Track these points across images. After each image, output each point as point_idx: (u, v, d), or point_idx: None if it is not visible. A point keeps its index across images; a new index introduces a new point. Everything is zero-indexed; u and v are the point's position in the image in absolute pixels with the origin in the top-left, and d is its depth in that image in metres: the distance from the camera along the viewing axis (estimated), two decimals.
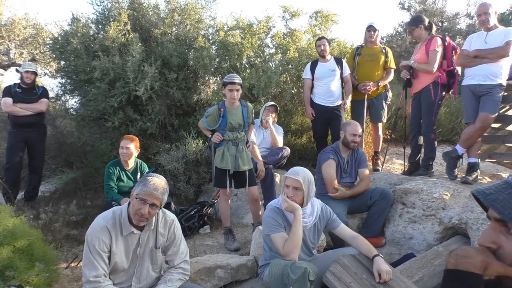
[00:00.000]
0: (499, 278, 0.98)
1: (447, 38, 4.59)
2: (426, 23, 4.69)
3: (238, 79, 4.05)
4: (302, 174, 2.87)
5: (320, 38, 5.23)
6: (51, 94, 6.24)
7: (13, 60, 10.15)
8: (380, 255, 2.77)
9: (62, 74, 6.36)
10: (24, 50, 10.37)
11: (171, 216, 2.60)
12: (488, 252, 0.95)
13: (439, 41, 4.52)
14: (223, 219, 4.33)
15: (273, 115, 5.12)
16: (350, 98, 5.17)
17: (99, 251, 2.29)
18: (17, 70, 5.75)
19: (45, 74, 7.93)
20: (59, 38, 6.22)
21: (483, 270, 0.93)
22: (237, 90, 4.06)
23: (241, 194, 5.12)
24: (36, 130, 5.63)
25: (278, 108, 5.23)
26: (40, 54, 10.30)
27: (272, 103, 5.22)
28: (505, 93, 4.32)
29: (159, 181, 2.37)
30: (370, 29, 5.17)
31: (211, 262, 3.26)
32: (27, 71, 5.50)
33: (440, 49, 4.49)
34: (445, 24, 13.47)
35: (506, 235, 0.94)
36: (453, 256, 0.98)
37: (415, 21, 4.77)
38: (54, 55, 6.61)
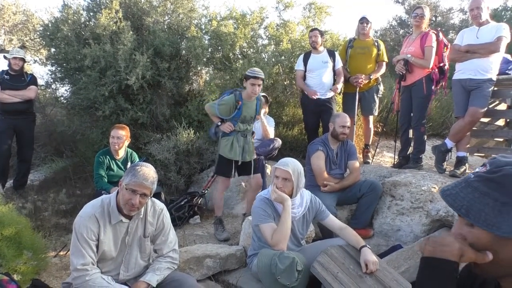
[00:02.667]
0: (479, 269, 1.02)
1: (440, 34, 4.61)
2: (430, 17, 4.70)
3: (262, 75, 4.02)
4: (291, 165, 2.88)
5: (312, 30, 5.21)
6: (41, 82, 6.18)
7: (2, 47, 9.99)
8: (368, 246, 2.80)
9: (52, 61, 6.28)
10: (14, 36, 10.21)
11: (160, 205, 2.60)
12: (464, 242, 0.99)
13: (434, 36, 4.54)
14: (216, 208, 4.33)
15: (265, 105, 5.10)
16: (341, 84, 5.14)
17: (87, 240, 2.28)
18: (5, 57, 5.67)
19: (35, 61, 7.82)
20: (50, 25, 6.13)
21: (459, 258, 0.96)
22: (259, 85, 4.01)
23: (231, 185, 5.12)
24: (24, 117, 5.57)
25: (269, 99, 5.21)
26: (30, 41, 10.15)
27: (263, 94, 5.20)
28: (495, 88, 4.36)
29: (148, 171, 2.36)
30: (363, 21, 5.16)
31: (200, 251, 3.26)
32: (15, 58, 5.42)
33: (435, 45, 4.51)
34: (439, 18, 13.50)
35: (467, 226, 0.99)
36: (431, 243, 1.00)
37: (424, 11, 4.71)
38: (44, 42, 6.52)
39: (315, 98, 5.00)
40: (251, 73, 3.97)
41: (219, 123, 4.11)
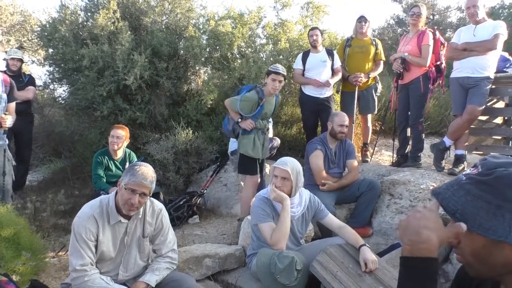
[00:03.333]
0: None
1: (437, 33, 4.61)
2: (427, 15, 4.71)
3: (283, 71, 4.00)
4: (290, 164, 2.88)
5: (313, 28, 5.21)
6: (39, 82, 6.16)
7: None
8: (367, 245, 2.80)
9: (50, 62, 6.27)
10: (12, 37, 10.17)
11: (159, 205, 2.60)
12: (438, 222, 0.97)
13: (431, 35, 4.54)
14: (244, 208, 4.08)
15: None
16: (335, 79, 5.10)
17: (85, 240, 2.28)
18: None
19: (33, 62, 7.81)
20: (47, 26, 6.12)
21: (437, 251, 0.95)
22: (280, 81, 4.00)
23: (230, 184, 5.13)
24: (23, 118, 5.53)
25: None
26: (27, 41, 10.12)
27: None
28: (493, 86, 4.36)
29: (147, 170, 2.36)
30: (361, 19, 5.16)
31: (199, 251, 3.26)
32: (12, 58, 5.41)
33: (432, 43, 4.52)
34: (436, 17, 13.52)
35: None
36: (408, 242, 0.97)
37: (421, 9, 4.71)
38: (42, 43, 6.51)
39: (318, 86, 4.99)
40: (273, 68, 3.99)
41: (239, 120, 4.05)
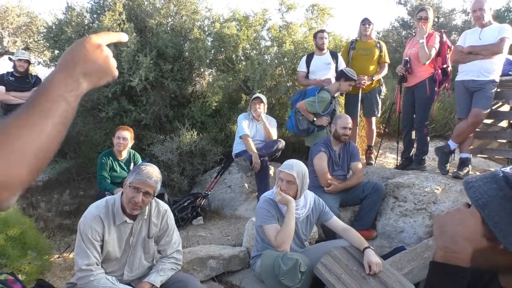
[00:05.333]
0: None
1: (444, 36, 4.60)
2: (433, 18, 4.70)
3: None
4: (296, 168, 2.89)
5: (321, 31, 5.24)
6: None
7: (7, 49, 10.05)
8: (371, 247, 2.80)
9: (56, 63, 6.29)
10: (18, 38, 10.27)
11: (164, 206, 2.61)
12: (476, 233, 0.93)
13: (438, 38, 4.53)
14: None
15: (259, 106, 5.00)
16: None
17: (91, 240, 2.30)
18: (10, 59, 5.71)
19: (39, 63, 7.88)
20: (53, 27, 6.16)
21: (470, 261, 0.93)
22: (350, 85, 4.76)
23: (234, 186, 5.13)
24: None
25: (264, 99, 5.11)
26: (34, 42, 10.20)
27: (257, 95, 5.15)
28: (498, 89, 4.35)
29: (152, 170, 2.38)
30: (365, 22, 5.16)
31: (203, 252, 3.28)
32: (20, 60, 5.46)
33: (437, 46, 4.51)
34: (441, 19, 13.49)
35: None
36: (442, 248, 0.95)
37: (428, 13, 4.69)
38: (48, 44, 6.55)
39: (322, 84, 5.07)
40: (351, 75, 4.68)
41: (315, 119, 4.73)
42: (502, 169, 0.97)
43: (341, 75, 4.75)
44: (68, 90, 0.71)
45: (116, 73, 0.83)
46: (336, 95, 5.09)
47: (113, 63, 0.82)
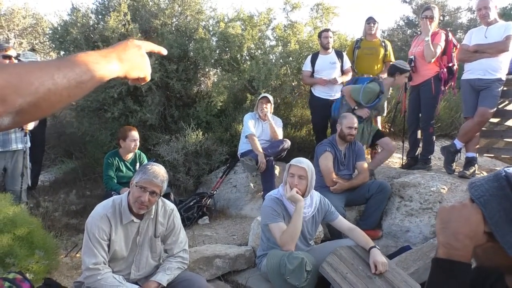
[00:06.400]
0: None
1: (450, 34, 4.58)
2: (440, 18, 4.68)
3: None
4: (306, 162, 2.94)
5: (326, 30, 5.24)
6: None
7: None
8: (377, 247, 2.80)
9: None
10: (24, 40, 10.33)
11: (171, 205, 2.63)
12: (478, 232, 0.93)
13: (443, 36, 4.51)
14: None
15: (266, 105, 4.99)
16: (342, 78, 5.14)
17: (98, 239, 2.32)
18: (19, 60, 5.74)
19: None
20: (59, 28, 6.20)
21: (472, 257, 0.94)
22: (406, 77, 4.54)
23: (240, 186, 5.14)
24: None
25: (271, 99, 5.12)
26: (39, 44, 10.27)
27: (264, 95, 5.15)
28: (505, 88, 4.33)
29: (158, 169, 2.39)
30: (370, 21, 5.16)
31: (209, 251, 3.29)
32: (30, 62, 5.50)
33: (443, 44, 4.49)
34: (447, 18, 13.42)
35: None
36: (444, 244, 0.96)
37: (434, 12, 4.67)
38: (53, 45, 6.58)
39: (325, 84, 5.08)
40: (404, 66, 4.43)
41: (356, 108, 4.45)
42: (506, 168, 0.97)
43: (395, 69, 4.51)
44: (95, 62, 0.74)
45: (149, 77, 0.90)
46: (339, 95, 5.08)
47: (148, 65, 0.89)
